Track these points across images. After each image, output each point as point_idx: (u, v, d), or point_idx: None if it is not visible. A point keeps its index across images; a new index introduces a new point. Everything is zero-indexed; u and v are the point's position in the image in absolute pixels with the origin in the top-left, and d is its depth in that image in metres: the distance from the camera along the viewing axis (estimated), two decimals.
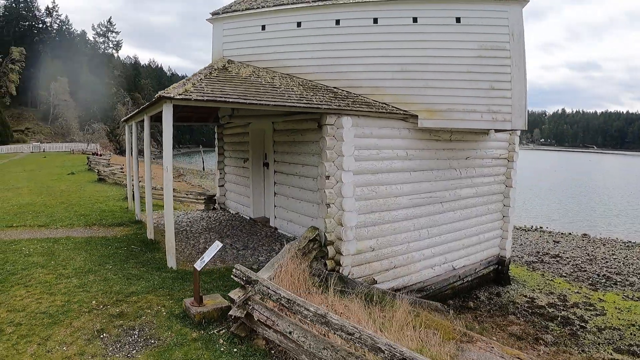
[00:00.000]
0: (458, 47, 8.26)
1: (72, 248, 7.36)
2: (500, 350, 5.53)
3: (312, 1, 8.91)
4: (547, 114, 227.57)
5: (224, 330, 4.28)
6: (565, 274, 12.42)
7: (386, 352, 2.90)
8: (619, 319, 9.34)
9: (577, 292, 10.87)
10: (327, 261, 7.90)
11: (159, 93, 6.18)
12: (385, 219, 8.68)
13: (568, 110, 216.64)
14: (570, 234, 18.34)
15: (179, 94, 6.12)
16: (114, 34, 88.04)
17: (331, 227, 7.87)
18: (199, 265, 4.46)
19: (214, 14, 9.93)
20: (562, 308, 9.86)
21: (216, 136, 14.20)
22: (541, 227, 19.90)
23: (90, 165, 27.65)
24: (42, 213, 10.56)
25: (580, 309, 9.83)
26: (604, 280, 11.94)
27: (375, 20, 8.59)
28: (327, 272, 7.75)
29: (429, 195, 9.49)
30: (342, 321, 3.30)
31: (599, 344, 8.21)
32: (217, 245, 4.65)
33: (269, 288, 3.92)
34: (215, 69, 8.43)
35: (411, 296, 9.08)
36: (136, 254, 7.31)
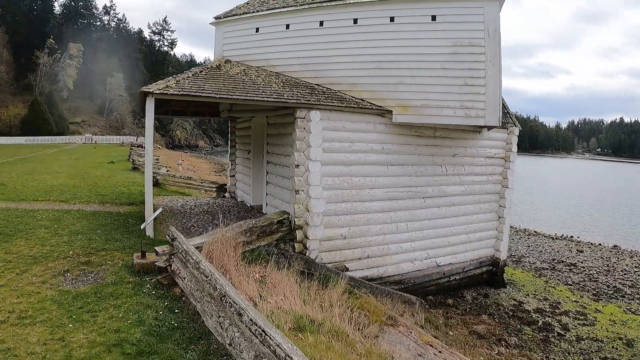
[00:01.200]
0: (433, 44, 9.01)
1: (77, 217, 9.25)
2: (416, 335, 6.31)
3: (299, 4, 10.10)
4: (605, 122, 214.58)
5: (154, 279, 5.64)
6: (571, 283, 12.47)
7: (219, 290, 4.06)
8: (607, 331, 9.39)
9: (575, 301, 10.99)
10: (295, 244, 9.05)
11: (142, 88, 7.71)
12: (358, 209, 9.61)
13: (626, 119, 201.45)
14: (600, 244, 17.83)
15: (159, 89, 7.62)
16: (169, 32, 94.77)
17: (299, 212, 8.99)
18: (143, 225, 5.85)
19: (216, 17, 11.46)
20: (548, 314, 10.09)
21: (229, 130, 15.85)
22: (571, 236, 19.46)
23: (130, 156, 30.85)
24: (68, 192, 12.78)
25: (569, 317, 9.98)
26: (611, 292, 11.87)
27: (355, 21, 9.59)
28: (294, 252, 8.93)
29: (409, 189, 10.26)
30: (208, 267, 4.50)
31: (569, 353, 8.42)
32: (158, 210, 6.03)
33: (180, 244, 5.20)
34: (207, 68, 9.92)
35: (387, 287, 9.94)
36: (128, 225, 8.96)
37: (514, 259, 15.12)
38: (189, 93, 7.84)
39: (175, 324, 4.56)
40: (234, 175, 15.70)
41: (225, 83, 8.95)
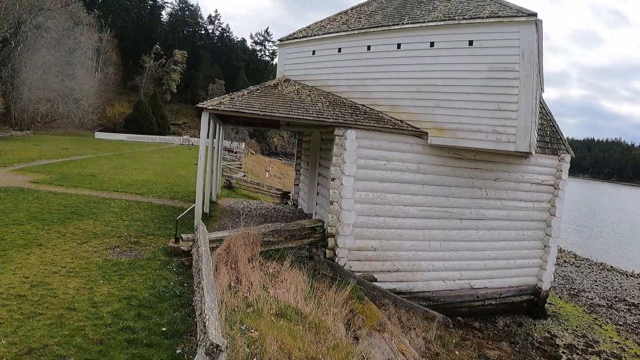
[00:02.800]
0: (468, 69, 9.38)
1: (144, 208, 11.25)
2: (395, 343, 6.81)
3: (350, 30, 11.06)
4: None
5: (179, 260, 7.13)
6: (622, 323, 11.64)
7: (199, 266, 5.15)
8: None
9: (616, 342, 10.34)
10: (326, 250, 9.96)
11: (198, 104, 9.23)
12: (390, 224, 10.22)
13: None
14: None
15: (212, 105, 9.11)
16: (270, 43, 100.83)
17: (332, 221, 9.89)
18: (178, 217, 7.27)
19: (280, 40, 12.87)
20: (578, 352, 9.71)
21: (297, 142, 17.28)
22: None
23: None
24: (146, 187, 15.15)
25: (600, 357, 9.53)
26: None
27: (399, 46, 10.28)
28: (324, 258, 9.82)
29: (444, 210, 10.59)
30: (203, 251, 5.68)
31: None
32: (191, 207, 7.37)
33: (197, 233, 6.45)
34: (264, 86, 11.29)
35: (414, 302, 10.34)
36: (184, 218, 10.56)
37: (571, 292, 14.35)
38: (238, 110, 9.23)
39: (178, 293, 5.91)
40: (297, 184, 17.01)
41: (274, 101, 10.22)
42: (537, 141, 11.22)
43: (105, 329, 4.69)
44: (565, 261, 19.10)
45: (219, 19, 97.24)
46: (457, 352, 8.58)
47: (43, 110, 42.89)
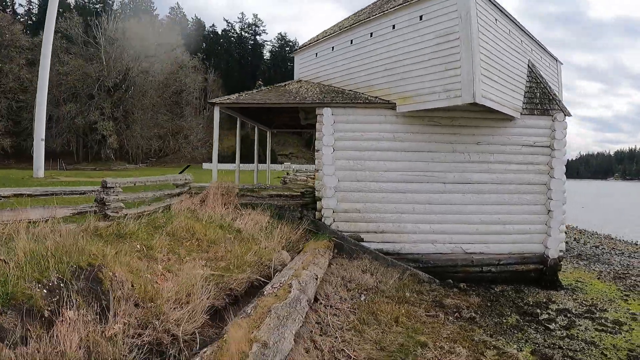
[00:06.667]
0: (421, 40, 11.20)
1: None
2: (318, 258, 8.68)
3: (339, 30, 13.84)
4: None
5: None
6: None
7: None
8: (625, 342, 8.18)
9: (632, 313, 9.84)
10: (316, 212, 12.43)
11: (210, 100, 12.88)
12: (372, 188, 12.23)
13: None
14: None
15: (220, 100, 12.66)
16: None
17: (319, 186, 12.37)
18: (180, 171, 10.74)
19: (294, 50, 16.24)
20: (569, 315, 9.56)
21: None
22: None
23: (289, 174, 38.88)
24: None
25: (595, 322, 9.15)
26: None
27: (371, 35, 12.66)
28: (313, 218, 12.33)
29: (424, 174, 12.18)
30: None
31: (526, 341, 7.95)
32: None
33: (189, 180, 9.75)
34: (274, 86, 14.62)
35: (401, 262, 11.93)
36: None
37: (619, 275, 13.69)
38: (239, 101, 12.63)
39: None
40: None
41: (274, 95, 13.39)
42: (524, 103, 12.22)
43: None
44: (634, 251, 17.52)
45: None
46: (407, 294, 9.51)
47: (156, 146, 53.38)
